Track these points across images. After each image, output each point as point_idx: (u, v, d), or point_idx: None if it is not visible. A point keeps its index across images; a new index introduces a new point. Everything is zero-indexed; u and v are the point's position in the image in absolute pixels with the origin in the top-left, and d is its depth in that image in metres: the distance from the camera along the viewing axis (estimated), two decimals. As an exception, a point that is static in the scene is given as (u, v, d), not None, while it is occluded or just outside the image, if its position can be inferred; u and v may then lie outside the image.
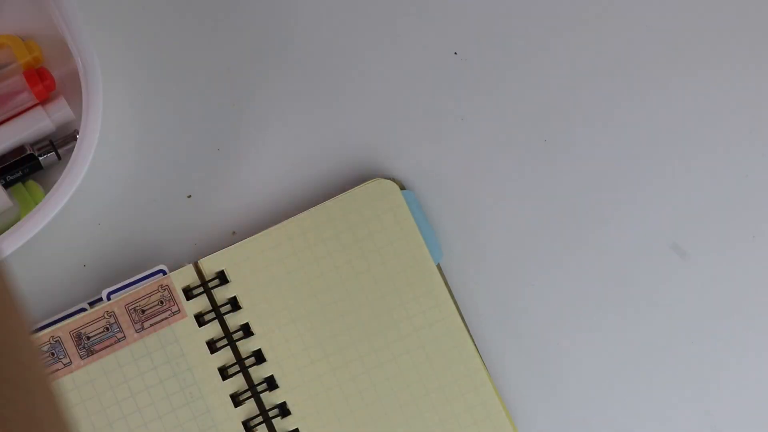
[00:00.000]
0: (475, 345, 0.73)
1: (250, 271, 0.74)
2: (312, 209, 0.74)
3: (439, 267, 0.73)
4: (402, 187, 0.74)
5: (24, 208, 0.74)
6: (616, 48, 0.76)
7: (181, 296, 0.74)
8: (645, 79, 0.76)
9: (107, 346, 0.74)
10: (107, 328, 0.74)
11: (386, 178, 0.74)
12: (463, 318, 0.73)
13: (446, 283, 0.73)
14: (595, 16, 0.76)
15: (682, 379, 0.74)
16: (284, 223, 0.74)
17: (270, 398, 0.73)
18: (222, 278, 0.74)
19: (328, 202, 0.74)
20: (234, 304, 0.74)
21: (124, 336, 0.74)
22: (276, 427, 0.73)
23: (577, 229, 0.75)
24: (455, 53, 0.76)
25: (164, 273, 0.74)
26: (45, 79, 0.71)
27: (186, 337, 0.73)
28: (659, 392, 0.74)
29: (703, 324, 0.75)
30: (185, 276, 0.74)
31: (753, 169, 0.76)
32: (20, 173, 0.73)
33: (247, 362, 0.73)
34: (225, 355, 0.73)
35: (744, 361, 0.74)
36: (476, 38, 0.76)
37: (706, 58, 0.76)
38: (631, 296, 0.75)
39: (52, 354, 0.75)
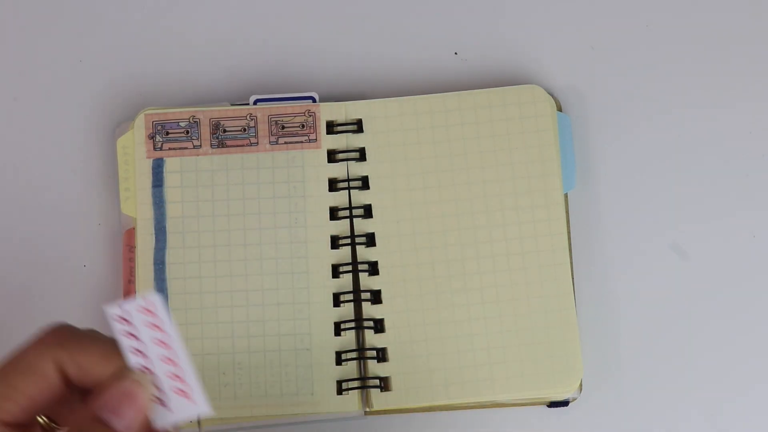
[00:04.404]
0: (572, 281, 0.74)
1: (386, 128, 0.76)
2: (461, 92, 0.76)
3: (566, 196, 0.76)
4: (559, 108, 0.77)
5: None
6: (616, 45, 0.80)
7: (323, 128, 0.75)
8: (646, 79, 0.79)
9: (238, 146, 0.75)
10: (244, 129, 0.75)
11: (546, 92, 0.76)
12: (570, 250, 0.75)
13: (567, 212, 0.75)
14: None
15: (683, 379, 0.74)
16: (431, 96, 0.76)
17: (364, 253, 0.74)
18: (358, 126, 0.76)
19: (477, 91, 0.76)
20: (362, 154, 0.75)
21: (257, 143, 0.75)
22: (361, 283, 0.74)
23: (578, 228, 0.76)
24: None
25: (314, 100, 0.76)
26: None
27: (313, 167, 0.75)
28: (658, 392, 0.74)
29: (703, 324, 0.75)
30: (334, 111, 0.76)
31: (753, 169, 0.77)
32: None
33: (356, 212, 0.75)
34: (340, 198, 0.75)
35: (745, 360, 0.74)
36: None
37: (706, 57, 0.79)
38: (631, 296, 0.76)
39: (187, 132, 0.74)
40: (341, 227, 0.75)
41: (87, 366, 0.54)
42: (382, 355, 0.73)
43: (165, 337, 0.54)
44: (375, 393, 0.72)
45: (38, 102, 0.78)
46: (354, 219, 0.75)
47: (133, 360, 0.54)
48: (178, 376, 0.54)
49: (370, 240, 0.74)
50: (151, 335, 0.53)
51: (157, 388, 0.54)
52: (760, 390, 0.75)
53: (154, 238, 0.73)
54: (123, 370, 0.54)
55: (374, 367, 0.72)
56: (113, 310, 0.53)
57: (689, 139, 0.78)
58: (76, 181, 0.77)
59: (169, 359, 0.54)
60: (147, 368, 0.54)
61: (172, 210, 0.74)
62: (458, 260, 0.74)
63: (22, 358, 0.54)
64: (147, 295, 0.53)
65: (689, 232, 0.76)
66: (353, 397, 0.72)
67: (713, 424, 0.74)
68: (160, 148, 0.74)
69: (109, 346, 0.54)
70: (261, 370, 0.72)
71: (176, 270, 0.73)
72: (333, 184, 0.75)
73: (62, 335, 0.54)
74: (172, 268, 0.73)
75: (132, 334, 0.53)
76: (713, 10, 0.80)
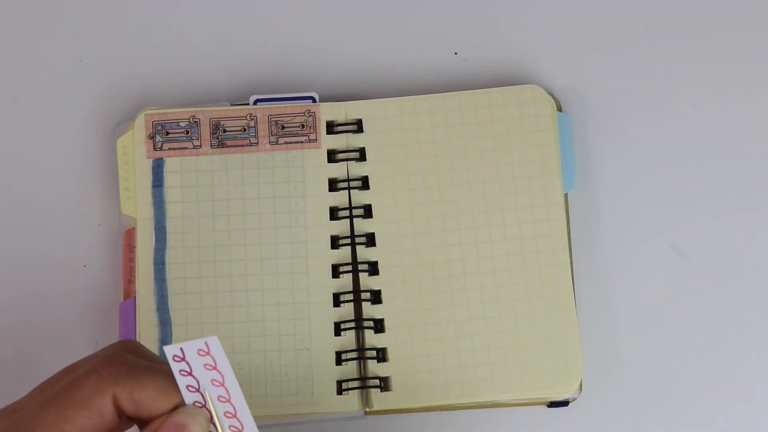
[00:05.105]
0: (572, 281, 0.74)
1: (386, 128, 0.76)
2: (461, 92, 0.76)
3: (566, 196, 0.76)
4: (559, 109, 0.77)
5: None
6: (616, 45, 0.80)
7: (323, 128, 0.75)
8: (646, 79, 0.79)
9: (238, 146, 0.75)
10: (244, 129, 0.75)
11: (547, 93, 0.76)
12: (570, 250, 0.75)
13: (567, 212, 0.75)
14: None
15: (683, 379, 0.74)
16: (431, 96, 0.76)
17: (364, 253, 0.74)
18: (358, 126, 0.76)
19: (478, 91, 0.76)
20: (362, 154, 0.76)
21: (257, 143, 0.75)
22: (361, 283, 0.74)
23: (578, 228, 0.76)
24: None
25: (314, 100, 0.76)
26: None
27: (313, 167, 0.75)
28: (658, 392, 0.74)
29: (703, 324, 0.75)
30: (334, 111, 0.76)
31: (753, 169, 0.77)
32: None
33: (356, 212, 0.75)
34: (340, 198, 0.75)
35: (745, 360, 0.74)
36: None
37: (706, 57, 0.79)
38: (631, 296, 0.76)
39: (187, 132, 0.74)
40: (341, 227, 0.75)
41: (143, 402, 0.54)
42: (382, 355, 0.73)
43: (220, 377, 0.54)
44: (375, 393, 0.72)
45: (38, 102, 0.78)
46: (354, 219, 0.75)
47: (189, 398, 0.54)
48: (233, 415, 0.55)
49: (370, 240, 0.75)
50: (208, 375, 0.54)
51: (214, 425, 0.55)
52: (761, 390, 0.74)
53: (154, 238, 0.73)
54: (177, 405, 0.54)
55: (374, 367, 0.73)
56: (172, 351, 0.54)
57: (689, 139, 0.78)
58: (76, 181, 0.77)
59: (225, 399, 0.54)
60: (203, 406, 0.54)
61: (172, 210, 0.74)
62: (458, 260, 0.74)
63: (80, 392, 0.54)
64: (206, 338, 0.54)
65: (689, 232, 0.77)
66: (353, 397, 0.72)
67: (713, 424, 0.74)
68: (160, 148, 0.74)
69: (165, 380, 0.54)
70: (261, 370, 0.72)
71: (176, 270, 0.73)
72: (333, 184, 0.75)
73: (119, 370, 0.54)
74: (172, 268, 0.73)
75: (189, 373, 0.54)
76: (713, 10, 0.80)
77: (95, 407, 0.53)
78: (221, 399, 0.54)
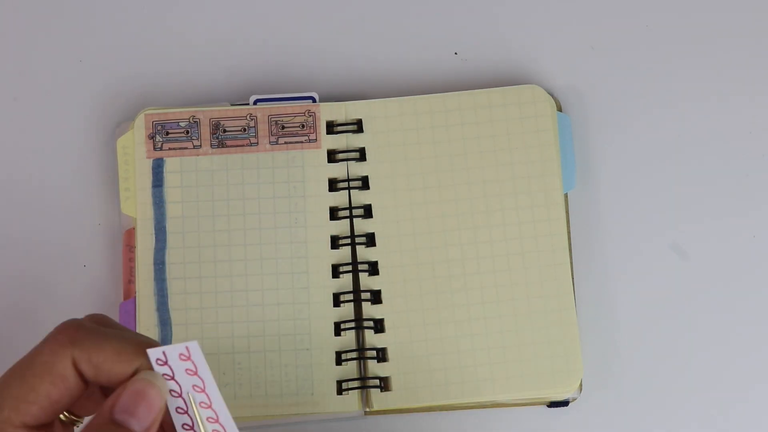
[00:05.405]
0: (572, 281, 0.74)
1: (386, 128, 0.76)
2: (461, 92, 0.76)
3: (566, 196, 0.76)
4: (559, 109, 0.77)
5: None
6: (616, 45, 0.80)
7: (323, 128, 0.75)
8: (646, 79, 0.79)
9: (238, 146, 0.75)
10: (244, 129, 0.75)
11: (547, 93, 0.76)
12: (570, 250, 0.75)
13: (567, 212, 0.75)
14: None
15: (683, 379, 0.75)
16: (431, 96, 0.76)
17: (364, 253, 0.74)
18: (358, 126, 0.76)
19: (478, 91, 0.76)
20: (362, 154, 0.76)
21: (257, 143, 0.75)
22: (361, 283, 0.74)
23: (578, 228, 0.77)
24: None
25: (314, 100, 0.76)
26: None
27: (313, 167, 0.75)
28: (658, 392, 0.74)
29: (703, 324, 0.75)
30: (334, 111, 0.76)
31: (753, 169, 0.77)
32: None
33: (356, 212, 0.75)
34: (340, 198, 0.75)
35: (745, 360, 0.74)
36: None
37: (706, 57, 0.79)
38: (631, 296, 0.76)
39: (187, 132, 0.74)
40: (341, 227, 0.75)
41: (101, 364, 0.53)
42: (382, 355, 0.73)
43: (201, 382, 0.54)
44: (375, 393, 0.72)
45: (38, 102, 0.78)
46: (354, 219, 0.75)
47: (172, 403, 0.54)
48: (215, 420, 0.55)
49: (370, 240, 0.75)
50: (189, 381, 0.54)
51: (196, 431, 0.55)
52: (761, 390, 0.75)
53: (154, 238, 0.73)
54: (137, 368, 0.54)
55: (374, 367, 0.73)
56: (155, 354, 0.53)
57: (689, 139, 0.78)
58: (76, 181, 0.77)
59: (207, 404, 0.54)
60: (185, 412, 0.55)
61: (172, 210, 0.74)
62: (458, 260, 0.74)
63: (38, 359, 0.54)
64: (186, 343, 0.53)
65: (689, 232, 0.77)
66: (353, 397, 0.72)
67: (713, 424, 0.74)
68: (160, 148, 0.74)
69: (124, 343, 0.54)
70: (261, 370, 0.72)
71: (176, 270, 0.73)
72: (333, 184, 0.75)
73: (75, 333, 0.54)
74: (172, 268, 0.73)
75: (172, 378, 0.54)
76: (713, 10, 0.80)
77: (56, 372, 0.53)
78: (203, 405, 0.54)
